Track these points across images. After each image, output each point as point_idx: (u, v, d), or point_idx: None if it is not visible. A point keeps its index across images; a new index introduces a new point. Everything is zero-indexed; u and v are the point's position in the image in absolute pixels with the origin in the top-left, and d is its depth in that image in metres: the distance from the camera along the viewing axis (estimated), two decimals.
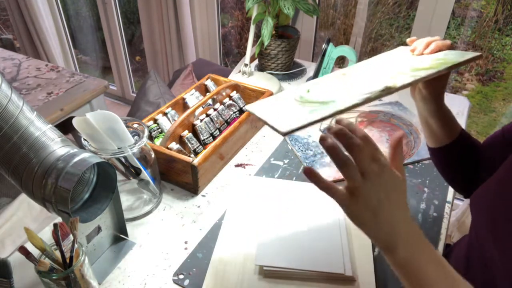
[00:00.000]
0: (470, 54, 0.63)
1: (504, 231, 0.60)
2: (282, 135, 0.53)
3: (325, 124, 1.17)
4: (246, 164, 1.04)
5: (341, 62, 2.08)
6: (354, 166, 0.47)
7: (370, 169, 0.47)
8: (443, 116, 0.74)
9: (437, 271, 0.48)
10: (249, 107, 0.66)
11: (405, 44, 0.77)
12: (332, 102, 0.59)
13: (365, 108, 1.22)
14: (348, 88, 0.63)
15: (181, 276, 0.75)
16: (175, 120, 1.00)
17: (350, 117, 1.19)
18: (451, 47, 0.68)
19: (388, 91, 0.58)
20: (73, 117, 0.79)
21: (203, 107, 1.06)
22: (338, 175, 0.98)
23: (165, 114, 1.05)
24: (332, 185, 0.49)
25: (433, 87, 0.69)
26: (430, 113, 0.73)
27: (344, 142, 0.47)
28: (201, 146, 1.01)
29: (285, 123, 0.55)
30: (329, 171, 1.00)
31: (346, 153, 0.48)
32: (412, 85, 0.60)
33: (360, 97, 0.58)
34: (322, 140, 0.47)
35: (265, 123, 0.58)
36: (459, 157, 0.78)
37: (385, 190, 0.48)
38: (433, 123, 0.74)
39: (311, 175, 0.49)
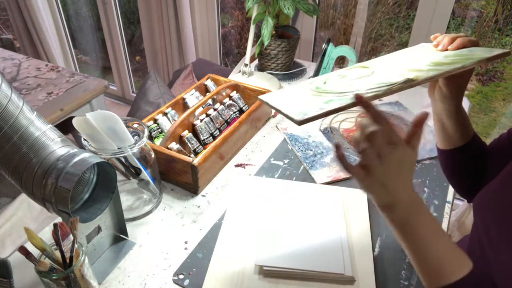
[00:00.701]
0: (498, 51, 0.60)
1: (506, 233, 0.60)
2: (298, 124, 0.53)
3: (325, 124, 1.17)
4: (246, 164, 1.04)
5: (341, 62, 2.08)
6: (371, 148, 0.51)
7: (384, 151, 0.51)
8: (460, 117, 0.72)
9: (431, 233, 0.53)
10: (262, 97, 0.64)
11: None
12: (350, 93, 0.57)
13: None
14: (367, 80, 0.62)
15: (181, 276, 0.75)
16: (175, 120, 1.00)
17: (350, 117, 1.19)
18: (476, 44, 0.65)
19: (410, 83, 0.56)
20: (73, 117, 0.79)
21: (203, 107, 1.06)
22: (338, 175, 0.98)
23: (165, 114, 1.05)
24: (349, 164, 0.54)
25: (455, 85, 0.67)
26: (448, 114, 0.72)
27: (371, 115, 0.51)
28: (201, 146, 1.01)
29: (300, 112, 0.54)
30: (329, 171, 1.00)
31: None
32: (435, 78, 0.58)
33: (381, 88, 0.56)
34: (361, 125, 0.52)
35: (279, 111, 0.57)
36: (468, 161, 0.77)
37: (397, 166, 0.52)
38: (449, 124, 0.73)
39: (341, 158, 0.53)
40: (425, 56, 0.67)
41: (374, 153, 0.51)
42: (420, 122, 0.54)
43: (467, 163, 0.77)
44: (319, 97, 0.60)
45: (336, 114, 1.20)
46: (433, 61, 0.62)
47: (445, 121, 0.73)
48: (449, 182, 0.84)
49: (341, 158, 0.53)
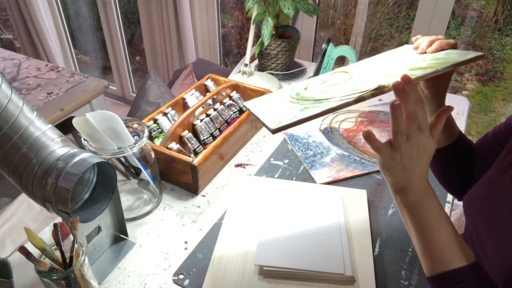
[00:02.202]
0: (472, 54, 0.61)
1: (495, 230, 0.61)
2: (272, 132, 0.55)
3: (325, 124, 1.17)
4: (246, 164, 1.04)
5: (341, 62, 2.08)
6: (404, 130, 0.54)
7: (413, 134, 0.54)
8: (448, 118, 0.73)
9: (438, 218, 0.56)
10: (247, 103, 0.67)
11: (406, 43, 0.77)
12: (325, 100, 0.59)
13: (365, 108, 1.22)
14: (344, 86, 0.63)
15: (181, 276, 0.75)
16: (175, 120, 1.00)
17: (350, 117, 1.19)
18: (454, 46, 0.67)
19: (381, 90, 0.57)
20: (73, 117, 0.79)
21: (203, 107, 1.06)
22: (338, 175, 0.98)
23: (165, 114, 1.05)
24: (380, 143, 0.56)
25: (435, 87, 0.69)
26: (431, 115, 0.73)
27: (407, 106, 0.53)
28: (201, 146, 1.01)
29: (275, 120, 0.56)
30: (329, 171, 1.00)
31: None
32: None
33: (352, 95, 0.57)
34: (393, 107, 0.53)
35: (258, 119, 0.59)
36: (455, 159, 0.77)
37: (419, 152, 0.55)
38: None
39: (369, 135, 0.55)
40: (405, 60, 0.68)
41: (404, 134, 0.54)
42: (443, 113, 0.56)
43: (454, 162, 0.78)
44: (296, 104, 0.61)
45: (336, 113, 1.20)
46: (410, 66, 0.63)
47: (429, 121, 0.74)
48: (437, 178, 0.84)
49: (369, 136, 0.55)
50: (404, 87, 0.52)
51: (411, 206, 0.57)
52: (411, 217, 0.57)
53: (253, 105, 0.65)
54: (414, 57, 0.68)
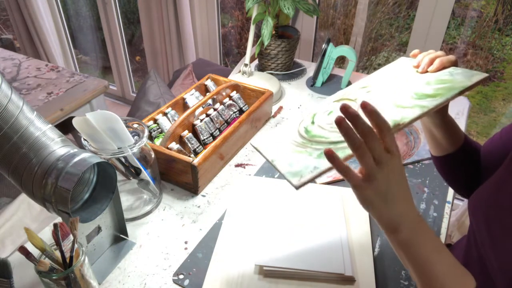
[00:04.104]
0: (477, 76, 0.60)
1: (500, 232, 0.61)
2: (296, 189, 0.53)
3: None
4: (246, 164, 1.04)
5: (341, 62, 2.09)
6: (368, 153, 0.49)
7: (384, 159, 0.49)
8: (448, 126, 0.73)
9: (434, 250, 0.53)
10: (258, 146, 0.64)
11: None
12: (340, 143, 0.56)
13: None
14: None
15: (181, 276, 0.75)
16: (175, 120, 1.00)
17: None
18: (455, 63, 0.66)
19: (398, 128, 0.56)
20: (73, 117, 0.79)
21: (203, 107, 1.06)
22: (338, 175, 0.98)
23: (165, 114, 1.05)
24: (349, 168, 0.51)
25: None
26: (435, 125, 0.73)
27: (359, 128, 0.49)
28: (201, 146, 1.01)
29: (294, 173, 0.54)
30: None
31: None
32: (421, 118, 0.57)
33: None
34: (338, 122, 0.49)
35: (275, 168, 0.58)
36: (462, 163, 0.77)
37: (396, 178, 0.51)
38: (438, 133, 0.74)
39: (331, 157, 0.50)
40: (408, 83, 0.66)
41: (371, 158, 0.49)
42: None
43: (461, 166, 0.78)
44: (309, 147, 0.59)
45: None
46: (416, 91, 0.62)
47: (434, 131, 0.74)
48: (446, 181, 0.85)
49: (347, 132, 0.50)
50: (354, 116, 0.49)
51: (405, 243, 0.53)
52: (407, 255, 0.54)
53: (264, 147, 0.64)
54: (417, 79, 0.66)
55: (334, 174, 0.99)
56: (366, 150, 0.49)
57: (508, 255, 0.58)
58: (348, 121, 0.49)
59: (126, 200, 0.91)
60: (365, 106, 0.49)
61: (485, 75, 0.60)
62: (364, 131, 0.49)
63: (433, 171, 1.00)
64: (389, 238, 0.55)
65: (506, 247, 0.58)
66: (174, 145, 0.95)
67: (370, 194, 0.51)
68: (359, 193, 0.51)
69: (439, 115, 0.70)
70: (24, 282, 0.73)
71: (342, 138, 0.53)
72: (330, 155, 0.50)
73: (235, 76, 1.38)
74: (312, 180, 0.53)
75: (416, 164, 1.03)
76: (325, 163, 0.53)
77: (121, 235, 0.83)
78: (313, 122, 0.65)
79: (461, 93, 0.59)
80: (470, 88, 0.59)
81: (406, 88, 0.65)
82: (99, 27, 2.78)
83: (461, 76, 0.61)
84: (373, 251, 0.79)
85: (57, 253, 0.62)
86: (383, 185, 0.50)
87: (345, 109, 0.49)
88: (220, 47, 2.28)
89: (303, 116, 0.69)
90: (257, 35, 1.36)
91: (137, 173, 0.87)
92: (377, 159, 0.49)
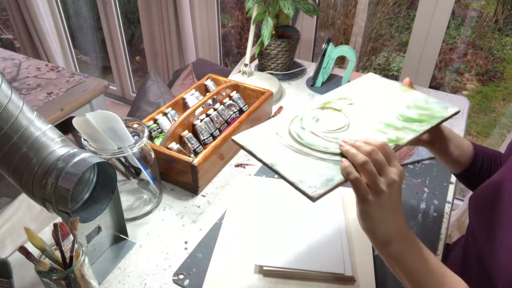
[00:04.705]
0: (451, 109, 0.66)
1: (499, 229, 0.61)
2: (312, 201, 0.54)
3: None
4: (246, 164, 1.04)
5: (341, 62, 2.09)
6: (371, 164, 0.53)
7: (388, 170, 0.53)
8: (453, 144, 0.74)
9: (423, 265, 0.55)
10: (252, 149, 0.64)
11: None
12: (335, 155, 0.59)
13: None
14: (345, 136, 0.63)
15: (181, 276, 0.75)
16: (175, 120, 1.00)
17: None
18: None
19: (397, 148, 0.60)
20: (73, 117, 0.79)
21: (203, 107, 1.06)
22: None
23: (165, 114, 1.05)
24: (361, 180, 0.53)
25: (430, 137, 0.73)
26: (441, 150, 0.75)
27: (361, 149, 0.54)
28: (201, 146, 1.01)
29: (310, 186, 0.55)
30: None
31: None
32: (413, 141, 0.62)
33: None
34: (345, 171, 0.54)
35: (286, 179, 0.59)
36: (484, 170, 0.78)
37: (397, 194, 0.54)
38: (448, 155, 0.76)
39: (351, 176, 0.54)
40: (388, 102, 0.70)
41: (380, 179, 0.53)
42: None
43: (484, 172, 0.78)
44: (313, 157, 0.60)
45: None
46: (401, 113, 0.66)
47: (443, 154, 0.76)
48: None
49: (355, 181, 0.53)
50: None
51: (396, 255, 0.56)
52: (399, 266, 0.56)
53: (254, 147, 0.63)
54: (396, 100, 0.70)
55: None
56: (368, 160, 0.53)
57: (508, 253, 0.58)
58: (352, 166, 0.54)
59: (126, 200, 0.91)
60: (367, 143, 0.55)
61: (457, 109, 0.66)
62: (368, 151, 0.53)
63: (433, 171, 1.00)
64: (381, 252, 0.57)
65: (506, 245, 0.59)
66: (174, 145, 0.95)
67: (374, 209, 0.53)
68: (364, 207, 0.54)
69: (438, 145, 0.73)
70: (24, 282, 0.73)
71: (332, 149, 0.59)
72: (348, 173, 0.54)
73: (235, 76, 1.38)
74: (328, 193, 0.53)
75: (416, 164, 1.03)
76: (338, 176, 0.55)
77: (121, 235, 0.83)
78: (303, 128, 0.65)
79: (440, 123, 0.64)
80: (446, 120, 0.65)
81: (389, 107, 0.68)
82: (99, 27, 2.78)
83: (437, 106, 0.67)
84: (373, 251, 0.79)
85: (57, 253, 0.62)
86: (387, 201, 0.53)
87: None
88: (220, 47, 2.28)
89: (286, 117, 0.69)
90: (257, 35, 1.36)
91: (137, 173, 0.87)
92: (387, 182, 0.53)
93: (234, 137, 0.65)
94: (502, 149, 0.83)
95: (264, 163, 0.61)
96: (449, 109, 0.66)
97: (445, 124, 0.69)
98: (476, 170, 0.77)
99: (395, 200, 0.54)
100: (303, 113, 0.69)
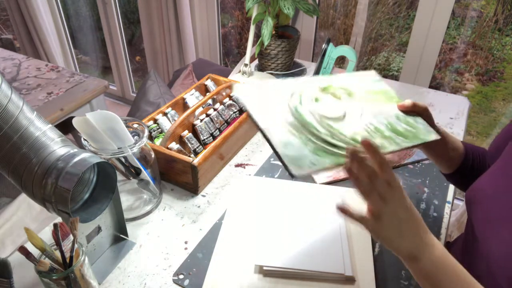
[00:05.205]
0: (434, 135, 0.67)
1: (496, 223, 0.62)
2: (291, 177, 0.54)
3: None
4: (246, 164, 1.04)
5: (341, 62, 2.09)
6: (375, 192, 0.53)
7: (388, 194, 0.53)
8: (449, 144, 0.75)
9: (457, 278, 0.53)
10: (250, 108, 0.63)
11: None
12: (333, 147, 0.59)
13: None
14: (342, 127, 0.63)
15: (181, 276, 0.75)
16: (175, 120, 1.00)
17: None
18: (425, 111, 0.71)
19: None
20: (73, 117, 0.79)
21: (203, 107, 1.06)
22: (338, 175, 0.98)
23: (165, 114, 1.05)
24: (361, 216, 0.55)
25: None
26: (437, 151, 0.75)
27: (365, 170, 0.53)
28: (201, 146, 1.01)
29: (293, 163, 0.55)
30: (329, 172, 1.00)
31: None
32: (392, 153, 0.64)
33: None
34: (349, 171, 0.54)
35: (273, 147, 0.58)
36: (474, 170, 0.78)
37: (405, 209, 0.54)
38: (443, 155, 0.76)
39: (344, 211, 0.56)
40: (381, 105, 0.71)
41: (378, 197, 0.53)
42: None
43: (473, 172, 0.78)
44: (304, 136, 0.60)
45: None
46: (390, 122, 0.67)
47: (438, 155, 0.77)
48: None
49: (356, 181, 0.54)
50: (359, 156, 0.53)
51: (426, 272, 0.54)
52: (428, 282, 0.54)
53: (251, 106, 0.63)
54: (388, 107, 0.71)
55: (334, 174, 0.99)
56: (373, 190, 0.53)
57: (503, 245, 0.58)
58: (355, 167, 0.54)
59: (126, 200, 0.91)
60: (367, 144, 0.53)
61: (439, 137, 0.67)
62: (369, 173, 0.53)
63: (433, 171, 1.00)
64: (409, 267, 0.56)
65: (502, 238, 0.59)
66: (174, 145, 0.95)
67: (383, 230, 0.54)
68: (373, 232, 0.55)
69: (437, 145, 0.73)
70: (24, 282, 0.73)
71: (333, 140, 0.60)
72: (342, 210, 0.56)
73: (235, 76, 1.38)
74: (309, 174, 0.55)
75: (416, 164, 1.03)
76: (323, 163, 0.56)
77: (121, 235, 0.83)
78: (301, 103, 0.66)
79: (419, 145, 0.66)
80: (423, 144, 0.66)
81: (382, 111, 0.69)
82: (99, 27, 2.78)
83: (423, 128, 0.68)
84: (373, 251, 0.79)
85: (57, 253, 0.62)
86: (394, 219, 0.53)
87: (352, 155, 0.53)
88: (220, 47, 2.28)
89: (292, 88, 0.69)
90: (257, 35, 1.36)
91: (137, 173, 0.87)
92: (383, 196, 0.53)
93: (236, 89, 0.65)
94: None
95: (256, 125, 0.60)
96: (433, 135, 0.67)
97: (440, 124, 0.69)
98: (467, 168, 0.78)
99: (404, 216, 0.53)
100: (304, 90, 0.69)
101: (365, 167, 0.53)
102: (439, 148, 0.75)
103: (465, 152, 0.78)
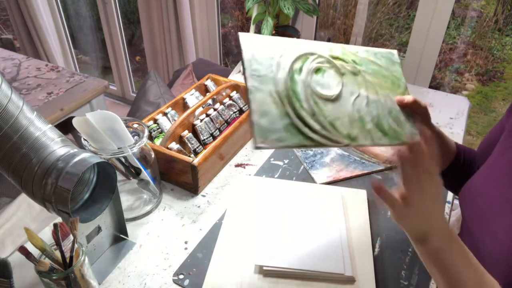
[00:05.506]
0: (416, 137, 0.64)
1: (489, 219, 0.62)
2: (253, 148, 0.55)
3: None
4: (246, 164, 1.04)
5: None
6: (416, 181, 0.53)
7: (427, 184, 0.53)
8: (443, 142, 0.74)
9: (463, 261, 0.54)
10: (246, 62, 0.59)
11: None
12: (327, 136, 0.58)
13: None
14: (331, 109, 0.62)
15: (181, 276, 0.75)
16: (175, 120, 1.00)
17: None
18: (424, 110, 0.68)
19: (345, 145, 0.60)
20: (73, 117, 0.79)
21: (203, 107, 1.06)
22: (338, 175, 0.98)
23: (165, 114, 1.05)
24: (392, 195, 0.54)
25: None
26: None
27: (416, 158, 0.53)
28: (201, 146, 1.01)
29: (261, 134, 0.55)
30: (329, 171, 1.00)
31: None
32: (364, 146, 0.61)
33: (326, 141, 0.59)
34: (401, 155, 0.54)
35: (250, 111, 0.57)
36: (464, 170, 0.78)
37: (432, 198, 0.54)
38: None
39: (379, 190, 0.54)
40: (383, 91, 0.68)
41: (415, 183, 0.53)
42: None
43: (463, 172, 0.78)
44: (283, 109, 0.58)
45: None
46: (377, 115, 0.65)
47: None
48: (453, 193, 0.85)
49: (380, 191, 0.54)
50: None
51: (434, 253, 0.55)
52: (435, 264, 0.55)
53: (250, 60, 0.59)
54: (385, 98, 0.68)
55: (334, 174, 0.99)
56: (415, 177, 0.53)
57: (497, 237, 0.59)
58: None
59: (126, 200, 0.91)
60: (428, 138, 0.55)
61: (419, 139, 0.64)
62: (417, 161, 0.53)
63: None
64: (418, 248, 0.56)
65: (496, 230, 0.60)
66: (174, 145, 0.95)
67: (408, 216, 0.54)
68: (399, 217, 0.55)
69: (427, 125, 0.70)
70: (24, 282, 0.73)
71: (310, 120, 0.58)
72: (378, 189, 0.54)
73: (235, 76, 1.38)
74: (271, 148, 0.55)
75: None
76: (289, 141, 0.56)
77: (121, 235, 0.83)
78: (300, 71, 0.62)
79: (397, 144, 0.63)
80: (400, 145, 0.64)
81: (378, 99, 0.66)
82: (99, 27, 2.78)
83: (408, 129, 0.66)
84: (373, 251, 0.79)
85: (57, 253, 0.62)
86: (422, 208, 0.53)
87: (415, 145, 0.53)
88: (220, 47, 2.28)
89: (302, 50, 0.65)
90: None
91: (137, 173, 0.87)
92: (421, 185, 0.53)
93: (242, 37, 0.61)
94: None
95: (245, 81, 0.59)
96: (415, 137, 0.64)
97: (440, 124, 0.68)
98: (458, 167, 0.77)
99: (430, 203, 0.54)
100: (313, 51, 0.65)
101: (417, 156, 0.53)
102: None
103: (456, 151, 0.77)
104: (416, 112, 0.67)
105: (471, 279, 0.53)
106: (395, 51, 0.73)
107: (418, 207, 0.53)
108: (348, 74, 0.66)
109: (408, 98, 0.66)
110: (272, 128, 0.57)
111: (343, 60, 0.67)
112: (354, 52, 0.69)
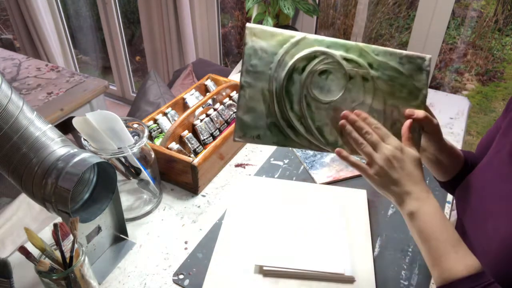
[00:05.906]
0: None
1: (482, 216, 0.63)
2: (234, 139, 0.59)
3: None
4: (246, 164, 1.04)
5: None
6: (366, 143, 0.60)
7: (380, 146, 0.59)
8: (448, 148, 0.73)
9: (439, 224, 0.57)
10: (247, 53, 0.59)
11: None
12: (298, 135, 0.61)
13: None
14: (318, 112, 0.62)
15: (181, 276, 0.75)
16: (175, 120, 1.00)
17: None
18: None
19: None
20: (73, 117, 0.79)
21: (203, 107, 1.06)
22: (338, 175, 0.98)
23: (165, 114, 1.05)
24: (359, 162, 0.61)
25: (428, 133, 0.67)
26: (429, 161, 0.73)
27: (355, 126, 0.61)
28: (201, 146, 1.01)
29: (241, 129, 0.59)
30: (329, 171, 1.00)
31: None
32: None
33: (314, 146, 0.64)
34: (342, 126, 0.61)
35: (236, 112, 0.59)
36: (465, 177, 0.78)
37: (398, 161, 0.58)
38: (441, 163, 0.73)
39: (343, 157, 0.61)
40: (394, 102, 0.64)
41: (371, 148, 0.59)
42: (408, 127, 0.61)
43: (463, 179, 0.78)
44: (270, 109, 0.59)
45: None
46: (377, 126, 0.63)
47: (438, 157, 0.73)
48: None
49: (340, 153, 0.61)
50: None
51: (411, 215, 0.58)
52: (413, 225, 0.58)
53: (251, 54, 0.59)
54: (398, 109, 0.65)
55: (334, 174, 0.99)
56: (364, 142, 0.60)
57: (487, 234, 0.60)
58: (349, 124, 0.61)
59: (126, 200, 0.91)
60: (359, 114, 0.61)
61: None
62: (360, 127, 0.60)
63: None
64: (402, 213, 0.60)
65: (487, 228, 0.61)
66: (174, 145, 0.95)
67: (377, 177, 0.59)
68: (370, 180, 0.60)
69: (434, 146, 0.69)
70: (24, 282, 0.73)
71: (296, 123, 0.61)
72: (342, 156, 0.61)
73: (235, 76, 1.38)
74: (247, 142, 0.59)
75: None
76: (268, 140, 0.59)
77: (121, 235, 0.83)
78: (303, 71, 0.60)
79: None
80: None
81: (384, 111, 0.63)
82: (99, 27, 2.78)
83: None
84: (373, 251, 0.79)
85: (57, 253, 0.62)
86: (386, 167, 0.58)
87: (345, 116, 0.61)
88: (220, 47, 2.28)
89: (313, 49, 0.62)
90: None
91: (137, 173, 0.87)
92: (374, 146, 0.59)
93: (249, 28, 0.60)
94: None
95: (240, 75, 0.59)
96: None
97: (440, 125, 0.66)
98: (465, 174, 0.75)
99: (397, 167, 0.58)
100: (324, 50, 0.62)
101: (357, 124, 0.60)
102: (442, 161, 0.72)
103: (464, 162, 0.75)
104: (426, 129, 0.64)
105: (446, 248, 0.55)
106: (428, 56, 0.64)
107: (380, 165, 0.58)
108: (357, 79, 0.63)
109: (418, 113, 0.62)
110: (253, 125, 0.58)
111: (357, 63, 0.63)
112: (374, 55, 0.63)
